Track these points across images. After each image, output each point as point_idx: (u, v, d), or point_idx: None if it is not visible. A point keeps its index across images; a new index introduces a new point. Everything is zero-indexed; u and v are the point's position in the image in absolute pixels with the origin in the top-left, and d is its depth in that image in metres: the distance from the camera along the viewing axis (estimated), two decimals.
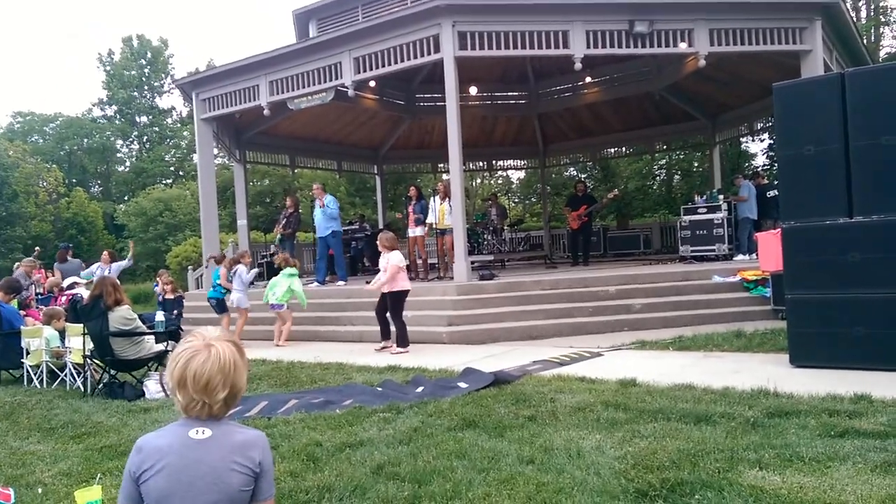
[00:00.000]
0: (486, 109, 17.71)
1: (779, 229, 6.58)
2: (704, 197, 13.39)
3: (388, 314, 8.51)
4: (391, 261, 8.34)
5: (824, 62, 10.83)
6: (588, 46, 10.20)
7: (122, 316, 6.65)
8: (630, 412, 4.59)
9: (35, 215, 34.93)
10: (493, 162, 21.36)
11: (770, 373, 5.57)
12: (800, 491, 3.10)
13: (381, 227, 18.32)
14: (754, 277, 9.54)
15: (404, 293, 8.41)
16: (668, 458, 3.61)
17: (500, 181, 36.54)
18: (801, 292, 5.97)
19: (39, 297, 10.32)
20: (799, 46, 10.62)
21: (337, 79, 11.29)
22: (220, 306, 10.04)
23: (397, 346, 8.36)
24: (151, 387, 6.46)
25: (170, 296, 13.30)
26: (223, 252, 12.44)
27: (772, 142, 23.40)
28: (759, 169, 23.59)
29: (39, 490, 3.81)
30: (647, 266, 12.39)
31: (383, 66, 10.81)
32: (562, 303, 9.54)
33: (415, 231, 12.12)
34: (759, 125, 16.85)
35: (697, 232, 12.48)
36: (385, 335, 8.62)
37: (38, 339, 7.54)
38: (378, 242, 8.80)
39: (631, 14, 10.14)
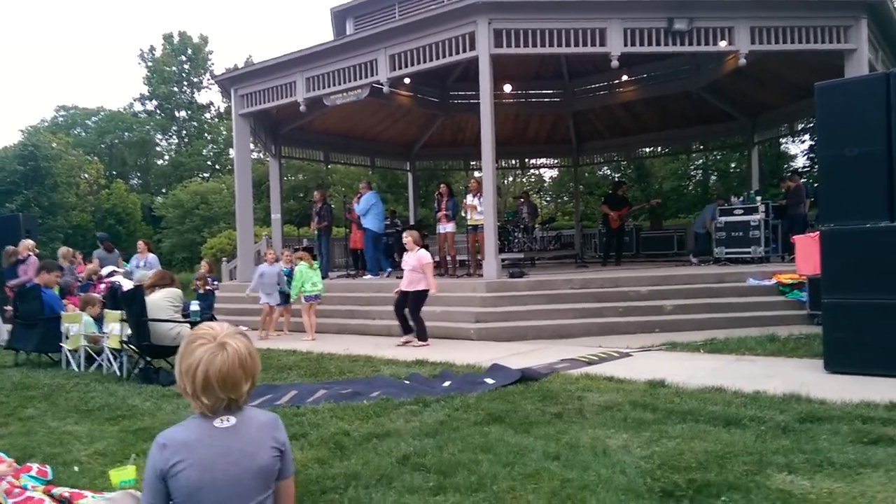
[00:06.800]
0: (520, 107, 17.64)
1: (817, 232, 6.45)
2: (742, 198, 13.16)
3: (406, 311, 8.61)
4: (424, 259, 8.43)
5: (869, 62, 10.54)
6: (625, 44, 10.09)
7: (177, 294, 7.16)
8: (658, 413, 4.55)
9: (76, 206, 35.94)
10: (526, 160, 21.29)
11: (803, 378, 5.45)
12: (829, 497, 3.04)
13: (412, 223, 18.42)
14: (790, 281, 9.34)
15: (426, 292, 8.52)
16: (695, 459, 3.57)
17: (532, 179, 36.39)
18: (838, 297, 5.83)
19: (80, 284, 10.62)
20: (843, 45, 10.36)
21: (372, 76, 11.37)
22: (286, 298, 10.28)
23: (418, 340, 8.46)
24: None
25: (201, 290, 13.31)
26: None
27: (813, 143, 22.87)
28: (800, 170, 23.12)
29: (76, 468, 3.93)
30: (679, 267, 12.22)
31: (418, 63, 10.85)
32: (592, 302, 9.47)
33: (445, 228, 12.16)
34: (801, 126, 16.49)
35: (733, 233, 12.26)
36: (406, 330, 8.70)
37: (77, 325, 7.78)
38: (405, 239, 8.84)
39: (670, 12, 10.00)
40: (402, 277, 8.83)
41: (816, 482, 3.21)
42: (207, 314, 7.99)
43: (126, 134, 47.54)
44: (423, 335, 8.48)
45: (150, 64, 48.87)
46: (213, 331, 1.84)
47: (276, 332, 10.21)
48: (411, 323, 8.60)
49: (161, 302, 6.96)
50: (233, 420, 1.81)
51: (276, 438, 1.87)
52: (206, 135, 49.49)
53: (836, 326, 5.82)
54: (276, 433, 1.88)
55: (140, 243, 12.73)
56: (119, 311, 7.15)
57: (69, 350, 7.77)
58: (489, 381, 5.83)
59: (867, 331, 5.61)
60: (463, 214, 11.86)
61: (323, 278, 10.60)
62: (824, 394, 4.82)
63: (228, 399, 1.79)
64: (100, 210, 38.04)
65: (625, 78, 15.97)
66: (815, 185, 12.03)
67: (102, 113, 48.38)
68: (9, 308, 10.39)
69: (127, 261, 12.87)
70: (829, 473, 3.32)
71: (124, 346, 7.01)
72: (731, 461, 3.52)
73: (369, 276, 12.49)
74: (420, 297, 8.49)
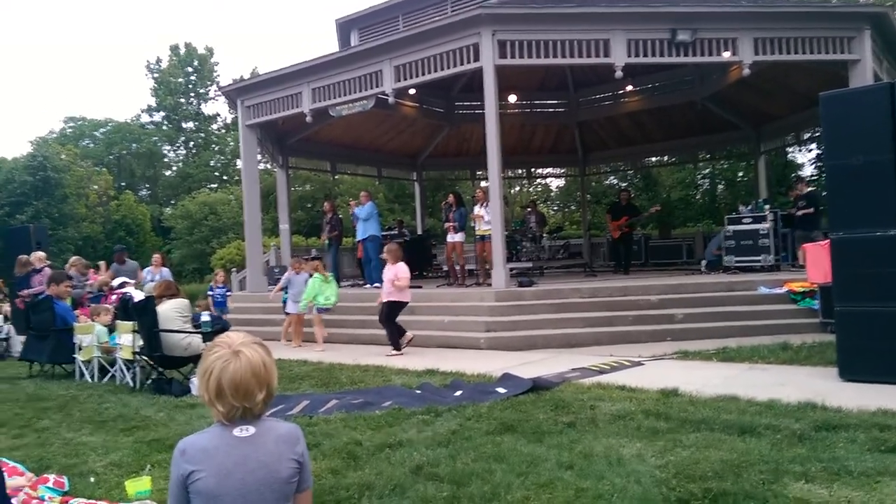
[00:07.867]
0: (525, 117, 17.70)
1: (827, 241, 6.44)
2: (750, 206, 13.14)
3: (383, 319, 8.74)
4: (402, 273, 8.59)
5: (873, 72, 10.54)
6: (629, 55, 10.12)
7: (185, 304, 7.18)
8: (672, 422, 4.54)
9: (86, 217, 36.02)
10: (532, 169, 21.32)
11: (818, 386, 5.44)
12: None
13: (419, 232, 18.46)
14: (802, 289, 9.30)
15: (404, 304, 8.71)
16: (710, 468, 3.56)
17: (539, 189, 36.42)
18: (850, 305, 5.82)
19: (90, 295, 10.67)
20: (847, 56, 10.37)
21: (378, 87, 11.43)
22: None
23: (393, 349, 8.59)
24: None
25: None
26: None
27: (820, 152, 22.83)
28: (808, 179, 23.06)
29: (92, 479, 3.96)
30: (689, 276, 12.20)
31: (423, 74, 10.90)
32: (602, 311, 9.45)
33: (454, 237, 12.19)
34: (807, 135, 16.46)
35: (742, 242, 12.24)
36: (401, 332, 8.82)
37: (89, 336, 7.82)
38: (386, 254, 8.96)
39: (673, 23, 10.03)
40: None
41: (834, 491, 3.20)
42: (220, 324, 8.00)
43: (134, 145, 47.79)
44: (396, 344, 8.61)
45: (156, 75, 49.22)
46: (230, 339, 1.86)
47: (297, 342, 10.16)
48: (389, 331, 8.70)
49: (170, 313, 7.00)
50: (252, 430, 1.81)
51: (294, 451, 1.85)
52: (213, 146, 49.73)
53: (850, 334, 5.80)
54: (296, 445, 1.86)
55: (156, 257, 13.01)
56: (131, 322, 7.19)
57: (82, 361, 7.82)
58: (500, 390, 5.83)
59: (881, 338, 5.59)
60: (472, 224, 11.88)
61: None
62: (840, 402, 4.80)
63: (243, 407, 1.79)
64: (109, 221, 38.10)
65: (629, 88, 16.03)
66: (823, 193, 11.98)
67: (110, 124, 48.64)
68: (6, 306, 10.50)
69: None
70: (846, 482, 3.31)
71: (137, 356, 7.05)
72: (748, 470, 3.51)
73: (368, 287, 12.47)
74: (396, 307, 8.65)
